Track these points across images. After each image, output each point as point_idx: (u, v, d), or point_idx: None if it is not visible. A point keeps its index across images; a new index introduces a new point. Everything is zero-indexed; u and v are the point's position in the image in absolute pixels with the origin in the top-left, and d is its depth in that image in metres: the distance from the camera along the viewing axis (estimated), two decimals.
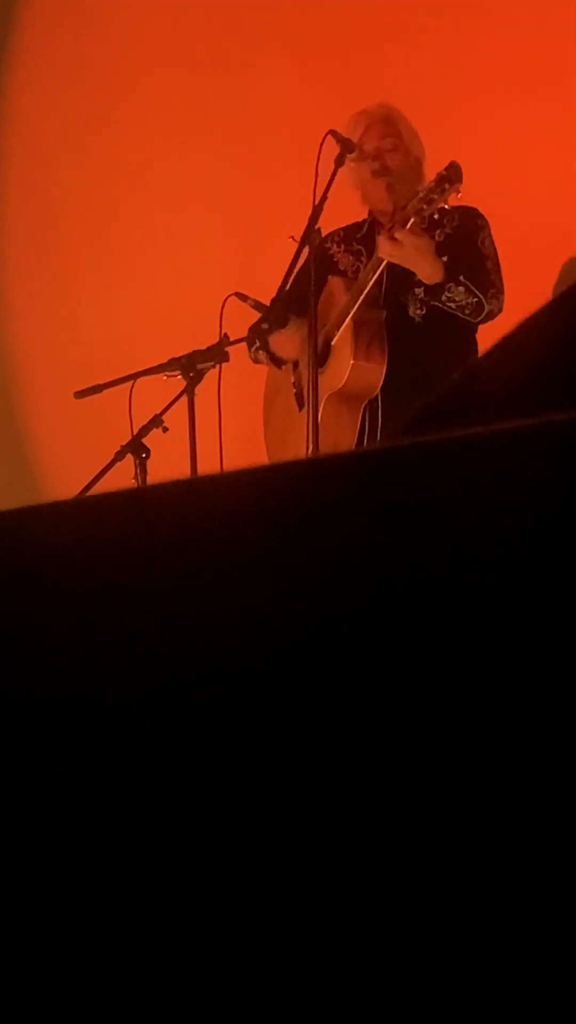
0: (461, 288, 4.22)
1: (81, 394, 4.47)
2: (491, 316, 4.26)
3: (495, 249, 4.35)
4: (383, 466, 0.80)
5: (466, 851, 0.73)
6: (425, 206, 4.12)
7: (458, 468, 0.77)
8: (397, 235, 4.13)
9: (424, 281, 4.22)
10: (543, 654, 0.73)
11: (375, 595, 0.77)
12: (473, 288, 4.22)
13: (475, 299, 4.23)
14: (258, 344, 4.43)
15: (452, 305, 4.23)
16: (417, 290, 4.26)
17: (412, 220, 4.15)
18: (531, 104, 5.21)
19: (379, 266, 4.22)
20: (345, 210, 4.48)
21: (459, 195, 4.11)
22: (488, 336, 4.32)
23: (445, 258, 4.27)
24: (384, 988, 0.73)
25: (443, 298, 4.23)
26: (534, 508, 0.75)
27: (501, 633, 0.74)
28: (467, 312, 4.23)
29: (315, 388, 4.12)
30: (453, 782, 0.73)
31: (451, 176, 4.09)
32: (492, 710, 0.73)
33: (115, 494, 0.87)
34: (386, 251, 4.18)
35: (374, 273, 4.23)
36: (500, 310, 4.27)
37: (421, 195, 4.13)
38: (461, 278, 4.21)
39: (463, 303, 4.23)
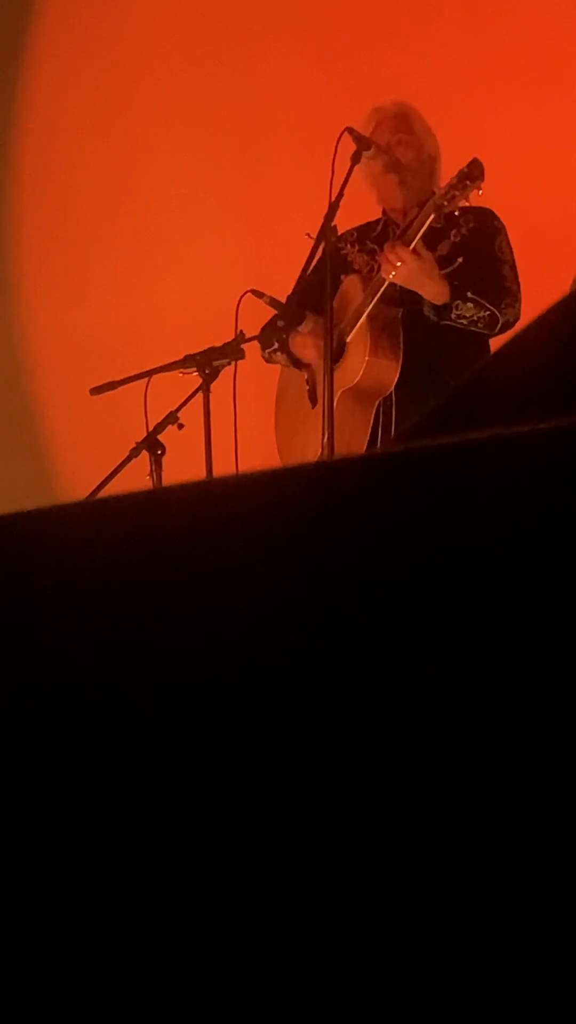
0: (470, 304, 4.20)
1: (97, 391, 4.47)
2: (508, 326, 4.23)
3: (512, 253, 4.33)
4: (390, 470, 0.80)
5: (467, 847, 0.73)
6: (446, 202, 4.11)
7: (464, 472, 0.77)
8: (401, 254, 4.12)
9: (431, 301, 4.21)
10: (546, 657, 0.73)
11: (381, 596, 0.77)
12: (484, 302, 4.20)
13: (487, 312, 4.21)
14: (276, 346, 4.42)
15: (463, 322, 4.21)
16: (428, 311, 4.24)
17: (416, 239, 4.14)
18: (547, 101, 5.20)
19: (382, 285, 4.21)
20: (362, 208, 4.47)
21: (480, 192, 4.10)
22: (502, 335, 4.31)
23: (460, 259, 4.25)
24: (383, 985, 0.73)
25: (452, 316, 4.21)
26: (540, 512, 0.75)
27: (505, 634, 0.74)
28: (480, 326, 4.21)
29: (331, 385, 4.11)
30: (453, 784, 0.73)
31: (473, 173, 4.08)
32: (493, 712, 0.73)
33: (126, 496, 0.87)
34: (387, 272, 4.17)
35: (379, 288, 4.22)
36: (517, 318, 4.25)
37: (443, 191, 4.12)
38: (469, 294, 4.19)
39: (474, 317, 4.21)
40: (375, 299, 4.23)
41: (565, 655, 0.72)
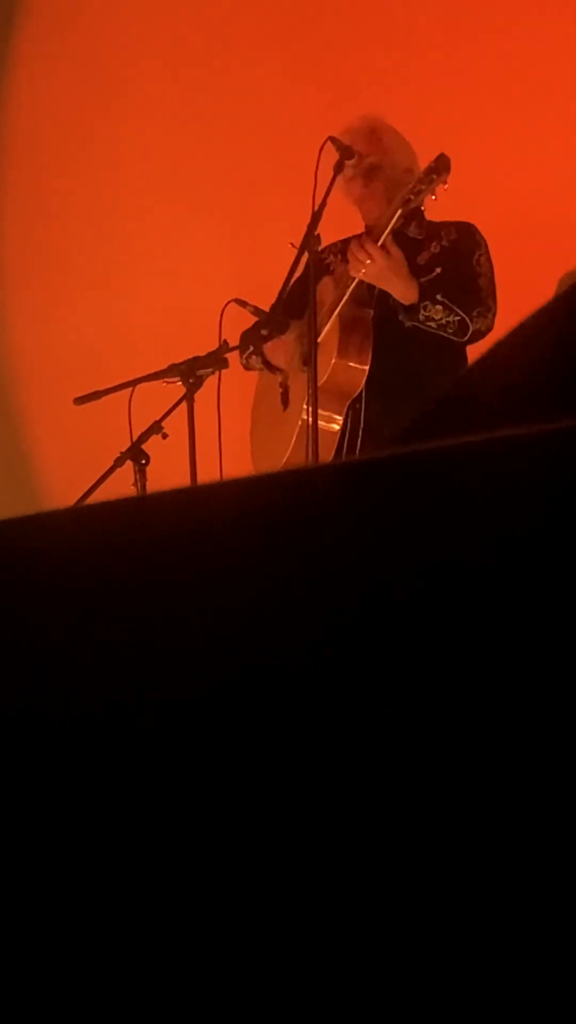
0: (439, 307, 4.19)
1: (81, 400, 4.47)
2: (478, 335, 4.21)
3: (491, 268, 4.32)
4: (388, 472, 0.80)
5: (468, 848, 0.74)
6: (412, 197, 4.11)
7: (453, 478, 0.78)
8: (369, 250, 4.12)
9: (400, 300, 4.21)
10: (540, 662, 0.74)
11: (379, 599, 0.77)
12: (453, 306, 4.19)
13: (457, 317, 4.19)
14: (251, 350, 4.41)
15: (432, 324, 4.20)
16: (400, 314, 4.24)
17: (385, 235, 4.14)
18: (532, 113, 5.21)
19: (351, 283, 4.21)
20: (344, 217, 4.47)
21: (446, 186, 4.10)
22: (482, 346, 4.31)
23: (438, 269, 4.25)
24: (384, 985, 0.74)
25: (420, 317, 4.20)
26: (530, 518, 0.76)
27: (504, 636, 0.75)
28: (450, 331, 4.20)
29: (315, 392, 4.11)
30: (454, 784, 0.74)
31: (439, 167, 4.09)
32: (493, 714, 0.73)
33: (113, 503, 0.87)
34: (356, 270, 4.17)
35: (348, 286, 4.22)
36: (489, 329, 4.22)
37: (410, 187, 4.12)
38: (439, 296, 4.18)
39: (443, 321, 4.19)
40: (345, 298, 4.23)
41: (565, 656, 0.72)
